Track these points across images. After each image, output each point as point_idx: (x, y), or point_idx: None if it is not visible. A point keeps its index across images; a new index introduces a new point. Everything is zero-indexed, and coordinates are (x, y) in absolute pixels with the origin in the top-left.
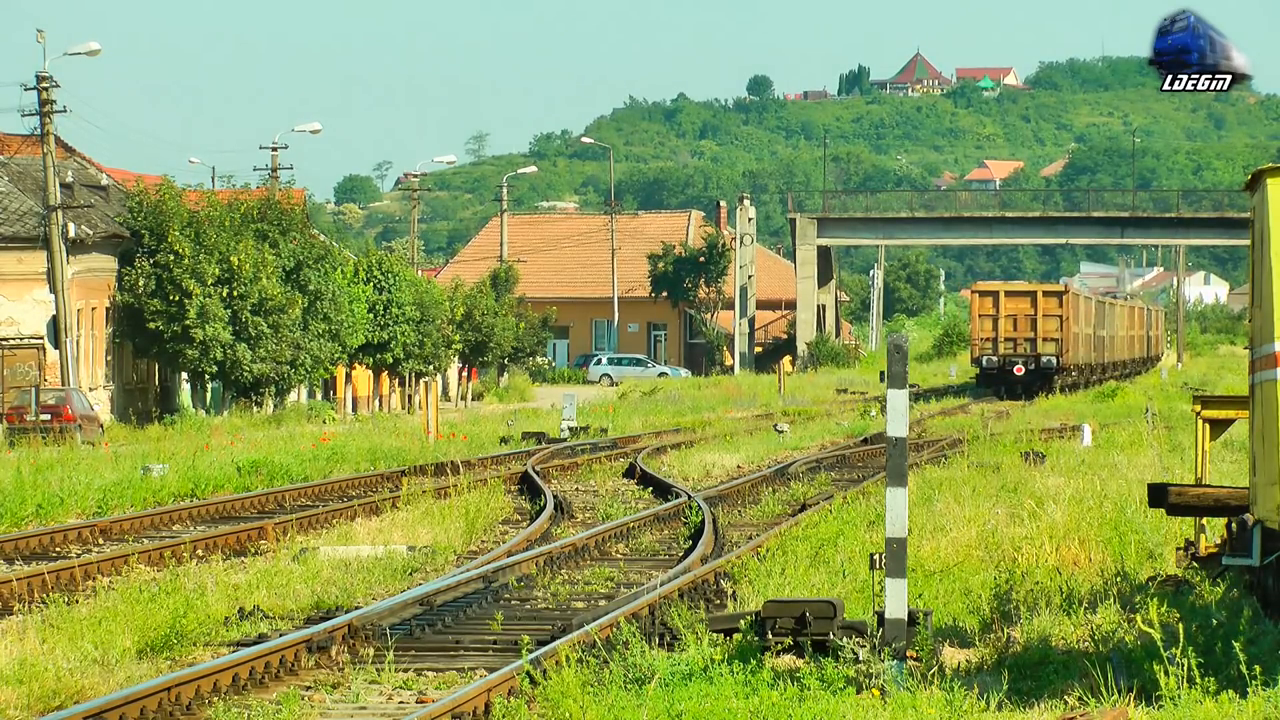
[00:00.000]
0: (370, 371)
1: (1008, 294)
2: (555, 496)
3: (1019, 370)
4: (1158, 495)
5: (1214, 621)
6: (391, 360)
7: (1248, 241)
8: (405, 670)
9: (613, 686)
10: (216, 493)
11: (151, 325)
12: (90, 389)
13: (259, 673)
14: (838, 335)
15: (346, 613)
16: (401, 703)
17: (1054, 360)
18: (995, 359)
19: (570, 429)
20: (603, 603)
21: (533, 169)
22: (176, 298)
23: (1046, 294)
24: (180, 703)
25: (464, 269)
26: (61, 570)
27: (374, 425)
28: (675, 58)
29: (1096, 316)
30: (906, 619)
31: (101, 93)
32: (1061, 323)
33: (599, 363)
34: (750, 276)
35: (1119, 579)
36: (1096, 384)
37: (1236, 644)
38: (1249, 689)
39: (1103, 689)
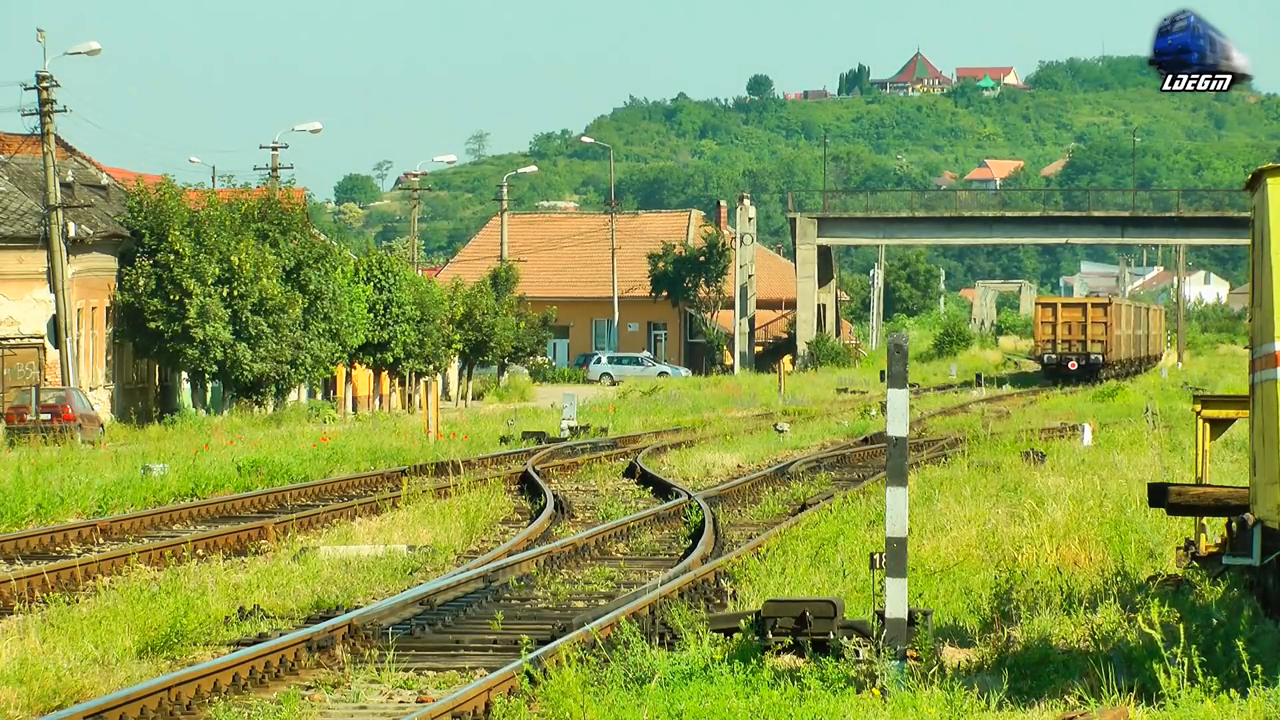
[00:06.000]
0: (370, 371)
1: (1064, 305)
2: (555, 496)
3: (1072, 365)
4: (1158, 495)
5: (1214, 621)
6: (391, 360)
7: (1248, 241)
8: (405, 670)
9: (613, 686)
10: (216, 492)
11: (152, 325)
12: (90, 389)
13: (259, 672)
14: (838, 335)
15: (347, 612)
16: (401, 702)
17: (1100, 357)
18: (1054, 356)
19: (570, 428)
20: (603, 602)
21: (533, 169)
22: (177, 297)
23: (1094, 305)
24: (180, 702)
25: (464, 268)
26: (61, 570)
27: (374, 425)
28: (675, 58)
29: (1135, 321)
30: (907, 619)
31: (101, 93)
32: (1106, 328)
33: (599, 362)
34: (750, 276)
35: (1119, 578)
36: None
37: (1239, 643)
38: (1249, 688)
39: (1103, 688)
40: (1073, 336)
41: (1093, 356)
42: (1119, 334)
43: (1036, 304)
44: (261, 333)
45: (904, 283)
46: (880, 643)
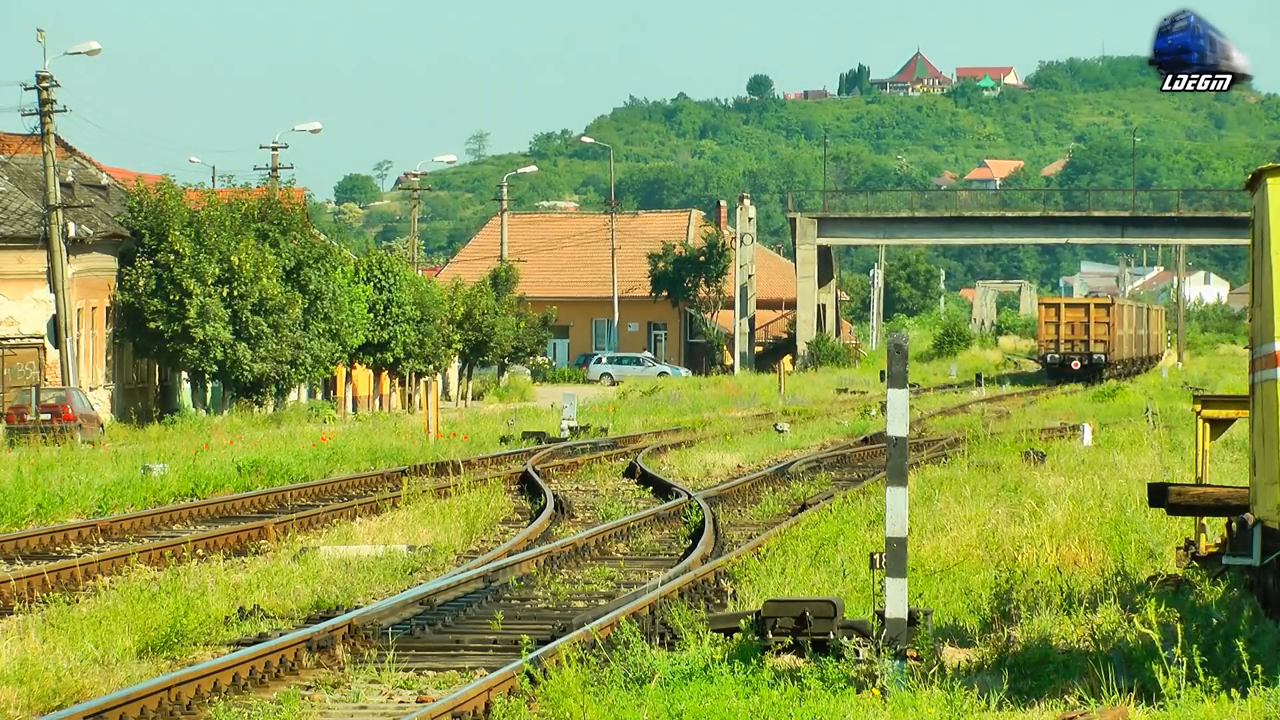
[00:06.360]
0: (370, 371)
1: (1067, 305)
2: (555, 496)
3: (1075, 365)
4: (1158, 495)
5: (1214, 621)
6: (392, 360)
7: (1248, 241)
8: (405, 670)
9: (613, 686)
10: (216, 492)
11: (152, 325)
12: (90, 389)
13: (259, 672)
14: (838, 335)
15: (347, 612)
16: (401, 702)
17: (1103, 356)
18: (1057, 356)
19: (570, 428)
20: (603, 602)
21: (533, 169)
22: (177, 297)
23: (1097, 305)
24: (180, 702)
25: (464, 268)
26: (62, 570)
27: (374, 425)
28: (675, 58)
29: (1136, 320)
30: (907, 618)
31: (101, 93)
32: (1109, 328)
33: (599, 362)
34: (750, 276)
35: (1119, 578)
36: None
37: (1240, 642)
38: (1250, 688)
39: (1103, 688)
40: (1076, 336)
41: (1096, 356)
42: (1121, 334)
43: (1040, 304)
44: (261, 333)
45: (904, 283)
46: (880, 643)
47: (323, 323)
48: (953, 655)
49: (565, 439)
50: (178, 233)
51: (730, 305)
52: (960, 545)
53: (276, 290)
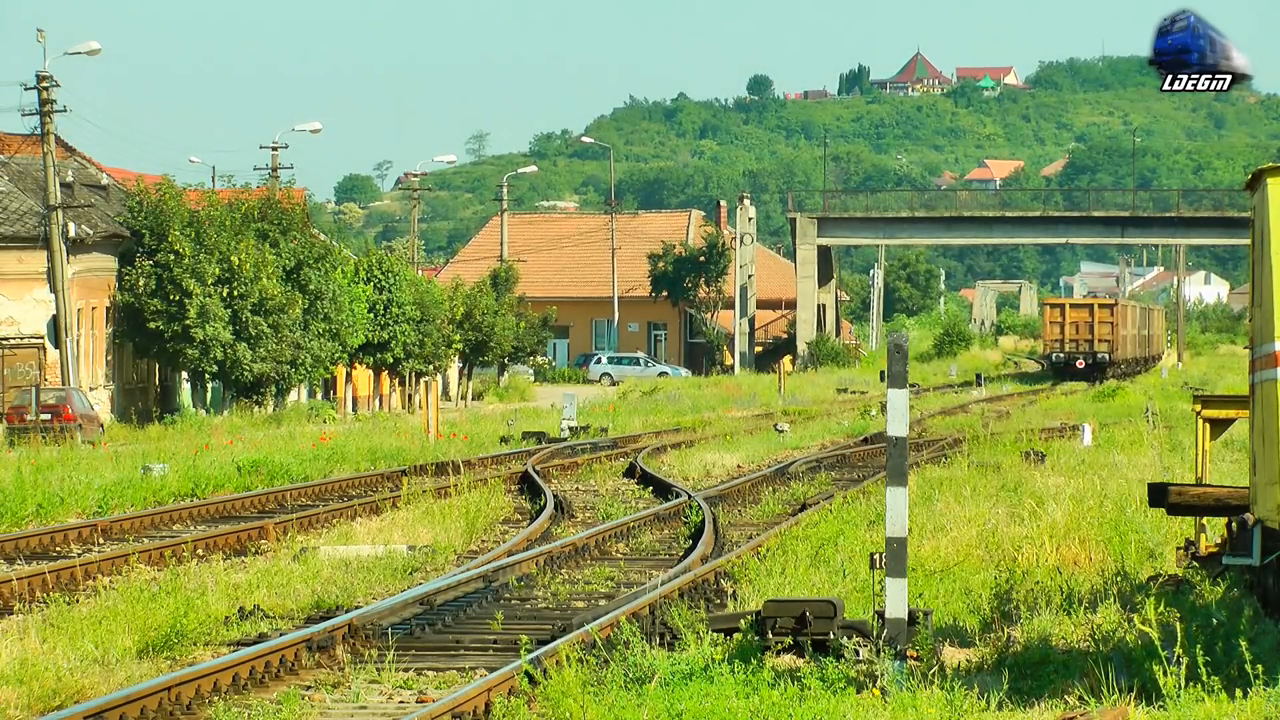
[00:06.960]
0: (370, 371)
1: (1071, 306)
2: (555, 496)
3: (1080, 364)
4: (1158, 495)
5: (1214, 621)
6: (392, 360)
7: (1248, 241)
8: (405, 670)
9: (613, 686)
10: (217, 492)
11: (152, 325)
12: (90, 389)
13: (259, 672)
14: (838, 335)
15: (347, 612)
16: (401, 702)
17: (1107, 356)
18: (1062, 355)
19: (570, 428)
20: (603, 602)
21: (533, 169)
22: (177, 297)
23: (1101, 306)
24: (180, 702)
25: (464, 268)
26: (62, 570)
27: (374, 425)
28: (675, 58)
29: (1140, 321)
30: (907, 618)
31: (101, 93)
32: (1113, 328)
33: (599, 362)
34: (750, 276)
35: (1119, 578)
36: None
37: (1242, 642)
38: (1250, 688)
39: (1103, 688)
40: (1080, 336)
41: (1100, 356)
42: (1125, 334)
43: (1044, 304)
44: (261, 333)
45: (904, 283)
46: (880, 643)
47: (323, 323)
48: (953, 655)
49: (565, 439)
50: (178, 233)
51: (730, 305)
52: (960, 545)
53: (276, 290)
